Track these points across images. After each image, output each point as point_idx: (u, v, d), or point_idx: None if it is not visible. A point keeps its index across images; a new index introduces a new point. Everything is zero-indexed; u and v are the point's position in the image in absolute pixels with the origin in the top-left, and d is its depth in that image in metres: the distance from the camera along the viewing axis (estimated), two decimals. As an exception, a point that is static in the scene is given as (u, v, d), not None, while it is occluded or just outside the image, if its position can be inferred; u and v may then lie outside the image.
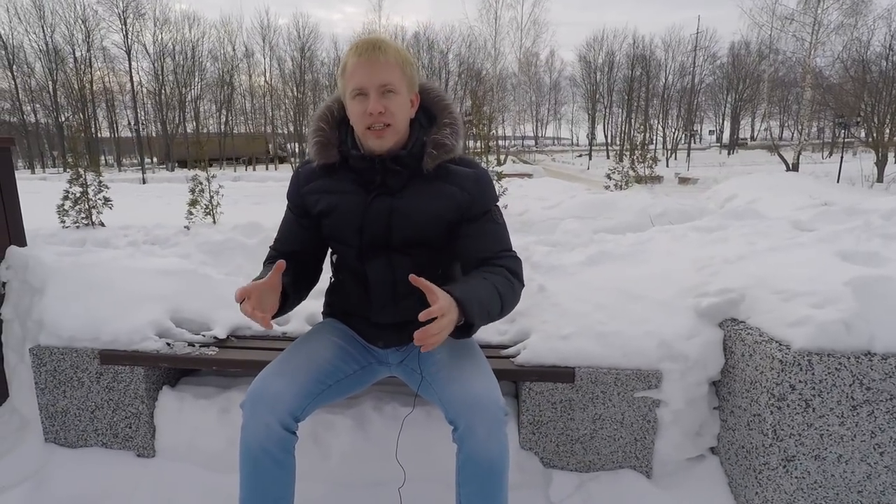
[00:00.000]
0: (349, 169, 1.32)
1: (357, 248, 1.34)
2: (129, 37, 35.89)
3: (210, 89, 40.22)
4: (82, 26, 35.56)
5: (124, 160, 43.24)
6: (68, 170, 7.17)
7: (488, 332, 1.93)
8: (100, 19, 35.82)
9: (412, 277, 1.09)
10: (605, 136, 50.44)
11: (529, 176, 23.51)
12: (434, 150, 1.29)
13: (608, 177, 10.43)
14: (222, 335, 1.85)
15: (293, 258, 1.37)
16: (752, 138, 54.74)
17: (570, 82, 52.41)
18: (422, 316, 1.04)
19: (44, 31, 35.37)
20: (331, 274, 1.52)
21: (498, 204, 1.42)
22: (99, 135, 39.49)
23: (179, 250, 2.35)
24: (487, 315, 1.23)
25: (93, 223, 7.15)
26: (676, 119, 47.67)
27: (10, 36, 35.18)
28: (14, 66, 35.09)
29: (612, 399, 1.67)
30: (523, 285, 1.41)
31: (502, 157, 37.13)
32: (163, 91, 37.82)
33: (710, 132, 57.70)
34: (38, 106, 37.18)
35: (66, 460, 1.81)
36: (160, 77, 37.52)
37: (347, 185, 1.32)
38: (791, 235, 2.15)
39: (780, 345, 1.43)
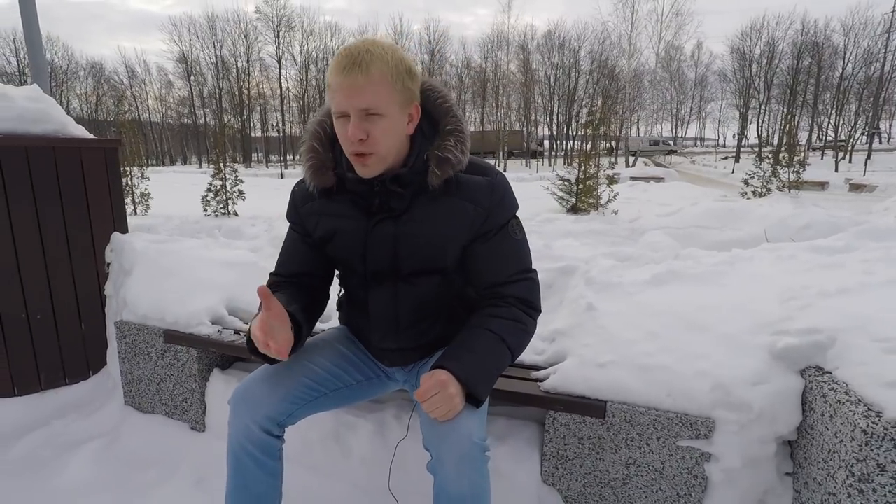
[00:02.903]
0: (347, 190, 1.19)
1: (361, 275, 1.25)
2: (281, 48, 41.88)
3: (347, 93, 44.33)
4: (244, 40, 42.66)
5: (272, 157, 49.50)
6: (212, 165, 8.29)
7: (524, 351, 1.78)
8: (258, 33, 42.61)
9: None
10: (759, 137, 44.73)
11: (660, 179, 21.77)
12: (437, 167, 1.13)
13: (745, 182, 9.18)
14: (267, 326, 1.95)
15: (298, 282, 1.30)
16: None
17: (720, 77, 47.45)
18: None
19: (214, 46, 43.23)
20: (338, 287, 1.47)
21: (517, 215, 1.26)
22: (252, 134, 46.35)
23: (254, 243, 2.54)
24: (494, 377, 1.16)
25: (228, 213, 8.16)
26: (854, 115, 40.56)
27: (190, 52, 43.81)
28: (191, 77, 43.74)
29: (649, 443, 1.44)
30: (539, 312, 1.27)
31: (631, 158, 34.97)
32: (305, 95, 42.69)
33: (903, 130, 48.20)
34: (207, 110, 45.03)
35: (137, 422, 2.05)
36: (304, 83, 42.68)
37: (346, 208, 1.20)
38: (936, 266, 1.66)
39: (869, 409, 1.11)
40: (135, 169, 9.48)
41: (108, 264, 2.28)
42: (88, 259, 2.24)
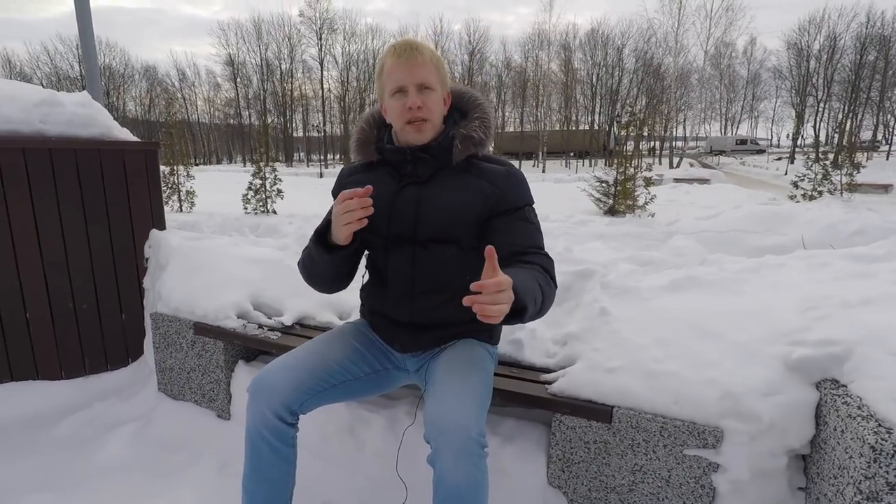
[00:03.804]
0: (386, 164, 1.41)
1: (384, 238, 1.38)
2: (323, 50, 43.17)
3: (387, 93, 45.25)
4: (288, 43, 44.10)
5: (312, 157, 50.87)
6: (253, 164, 8.61)
7: (535, 352, 1.79)
8: (301, 36, 43.97)
9: (473, 285, 0.96)
10: (816, 136, 42.29)
11: (705, 181, 20.99)
12: (461, 143, 1.34)
13: (794, 185, 8.73)
14: (289, 322, 2.04)
15: None
16: None
17: (774, 74, 45.26)
18: (474, 286, 0.95)
19: (260, 49, 44.92)
20: (364, 272, 1.56)
21: (533, 206, 1.38)
22: (294, 134, 47.93)
23: (282, 241, 2.64)
24: (535, 303, 1.11)
25: (267, 211, 8.44)
26: (926, 113, 37.75)
27: (237, 55, 45.80)
28: (237, 80, 45.68)
29: (655, 451, 1.42)
30: (556, 286, 1.28)
31: (675, 159, 33.88)
32: (346, 96, 43.71)
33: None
34: (252, 111, 46.74)
35: (169, 408, 2.18)
36: (345, 84, 43.77)
37: (382, 177, 1.39)
38: (976, 277, 1.56)
39: (880, 425, 1.07)
40: (181, 168, 9.99)
41: (147, 259, 2.42)
42: (129, 254, 2.39)
